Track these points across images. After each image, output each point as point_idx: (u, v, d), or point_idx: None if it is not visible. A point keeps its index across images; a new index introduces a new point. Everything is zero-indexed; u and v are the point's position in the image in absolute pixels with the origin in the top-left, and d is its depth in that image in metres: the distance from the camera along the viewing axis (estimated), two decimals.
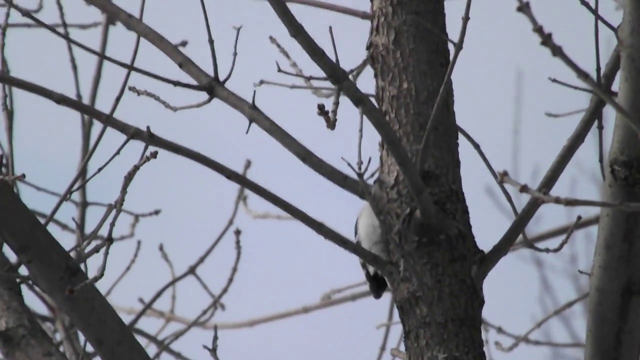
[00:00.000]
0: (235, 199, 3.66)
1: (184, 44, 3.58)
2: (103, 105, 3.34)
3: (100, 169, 2.92)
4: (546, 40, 2.08)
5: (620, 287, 3.03)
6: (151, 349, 3.83)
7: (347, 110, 3.32)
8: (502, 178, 2.15)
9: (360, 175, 3.30)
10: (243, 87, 3.34)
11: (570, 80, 3.13)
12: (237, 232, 3.50)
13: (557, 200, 2.15)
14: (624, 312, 3.04)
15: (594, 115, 3.21)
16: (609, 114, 3.26)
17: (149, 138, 2.96)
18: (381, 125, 3.20)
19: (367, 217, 3.47)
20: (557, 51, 2.09)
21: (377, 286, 3.54)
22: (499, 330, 4.19)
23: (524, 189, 2.15)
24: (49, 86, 2.90)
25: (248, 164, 3.57)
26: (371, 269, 3.48)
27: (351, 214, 3.63)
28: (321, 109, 3.34)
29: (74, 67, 3.76)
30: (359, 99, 3.18)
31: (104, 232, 2.92)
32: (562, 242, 3.29)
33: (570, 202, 2.14)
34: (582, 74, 2.13)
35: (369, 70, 3.45)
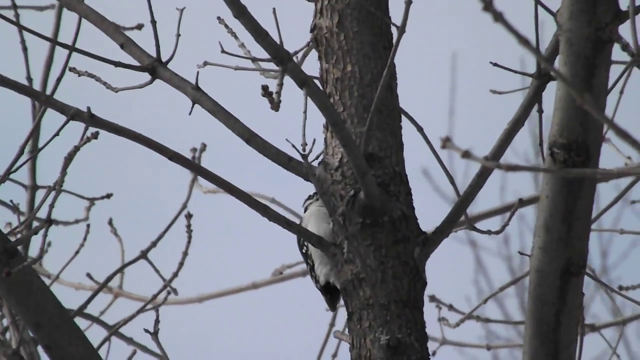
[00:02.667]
0: (189, 182, 3.65)
1: (140, 27, 3.53)
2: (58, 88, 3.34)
3: (39, 150, 2.90)
4: (487, 5, 2.07)
5: (560, 268, 3.06)
6: (98, 331, 3.83)
7: (292, 92, 3.32)
8: (444, 143, 2.15)
9: (305, 156, 3.31)
10: (186, 68, 3.34)
11: (509, 64, 3.16)
12: (189, 216, 3.48)
13: (499, 166, 2.17)
14: (563, 293, 3.06)
15: (534, 99, 3.23)
16: (548, 99, 3.28)
17: (90, 119, 2.95)
18: (325, 107, 3.21)
19: (316, 225, 3.47)
20: (499, 17, 2.08)
21: (330, 298, 3.54)
22: (450, 307, 4.23)
23: (466, 154, 2.16)
24: None
25: (203, 147, 3.56)
26: (322, 280, 3.47)
27: (296, 195, 3.64)
28: (265, 90, 3.34)
29: (24, 49, 3.73)
30: (303, 81, 3.18)
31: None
32: (503, 225, 3.32)
33: (511, 168, 2.16)
34: (523, 40, 2.13)
35: (313, 53, 3.46)
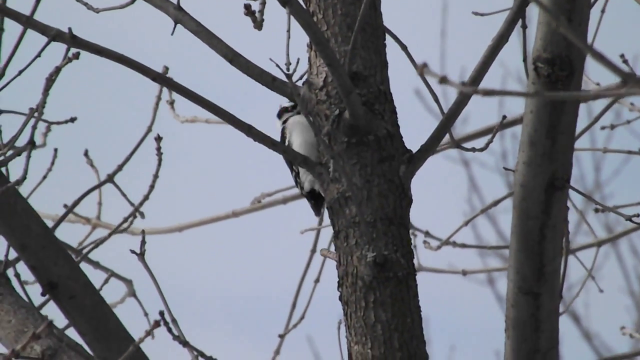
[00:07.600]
0: (153, 105, 3.63)
1: None
2: (22, 7, 3.29)
3: (21, 72, 2.87)
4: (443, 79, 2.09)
5: (544, 182, 3.07)
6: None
7: (275, 11, 3.30)
8: (421, 70, 2.15)
9: (289, 76, 3.30)
10: None
11: None
12: (158, 139, 3.47)
13: (475, 91, 2.17)
14: (548, 207, 3.08)
15: (518, 14, 3.21)
16: (533, 13, 3.27)
17: (71, 40, 2.92)
18: (309, 26, 3.19)
19: (301, 135, 3.47)
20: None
21: (315, 204, 3.57)
22: (427, 234, 4.24)
23: (443, 80, 2.16)
24: None
25: (166, 70, 3.53)
26: (307, 186, 3.50)
27: (273, 125, 3.64)
28: (248, 9, 3.31)
29: None
30: None
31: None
32: (488, 141, 3.32)
33: (488, 93, 2.16)
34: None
35: None
